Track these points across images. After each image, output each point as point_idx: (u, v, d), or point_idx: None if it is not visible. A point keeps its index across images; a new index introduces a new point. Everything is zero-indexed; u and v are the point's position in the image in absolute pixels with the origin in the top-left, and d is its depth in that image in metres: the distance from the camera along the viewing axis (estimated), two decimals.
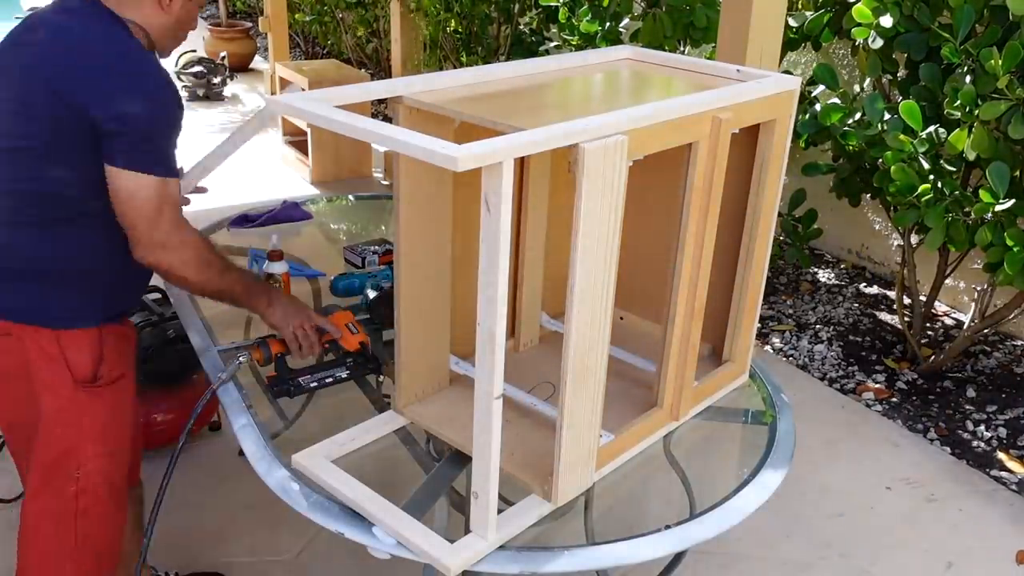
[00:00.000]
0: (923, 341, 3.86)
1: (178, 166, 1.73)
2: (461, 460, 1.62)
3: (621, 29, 4.28)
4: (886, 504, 2.92)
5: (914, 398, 3.53)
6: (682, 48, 3.99)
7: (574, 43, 4.45)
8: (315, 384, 1.82)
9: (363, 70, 7.78)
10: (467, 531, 1.43)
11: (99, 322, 1.75)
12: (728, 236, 1.79)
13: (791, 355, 3.87)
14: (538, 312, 1.95)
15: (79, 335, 1.72)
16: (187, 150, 1.96)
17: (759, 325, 2.56)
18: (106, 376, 1.76)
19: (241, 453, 2.77)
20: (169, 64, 7.76)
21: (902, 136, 2.96)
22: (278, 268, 2.15)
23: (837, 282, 4.56)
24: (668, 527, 1.50)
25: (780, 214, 3.72)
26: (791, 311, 4.25)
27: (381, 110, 6.95)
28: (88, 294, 1.74)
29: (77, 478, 1.75)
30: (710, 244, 1.62)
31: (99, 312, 1.76)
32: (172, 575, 2.40)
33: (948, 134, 2.89)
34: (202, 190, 2.13)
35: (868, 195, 3.58)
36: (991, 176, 2.75)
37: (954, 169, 3.00)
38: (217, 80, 7.45)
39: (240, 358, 1.79)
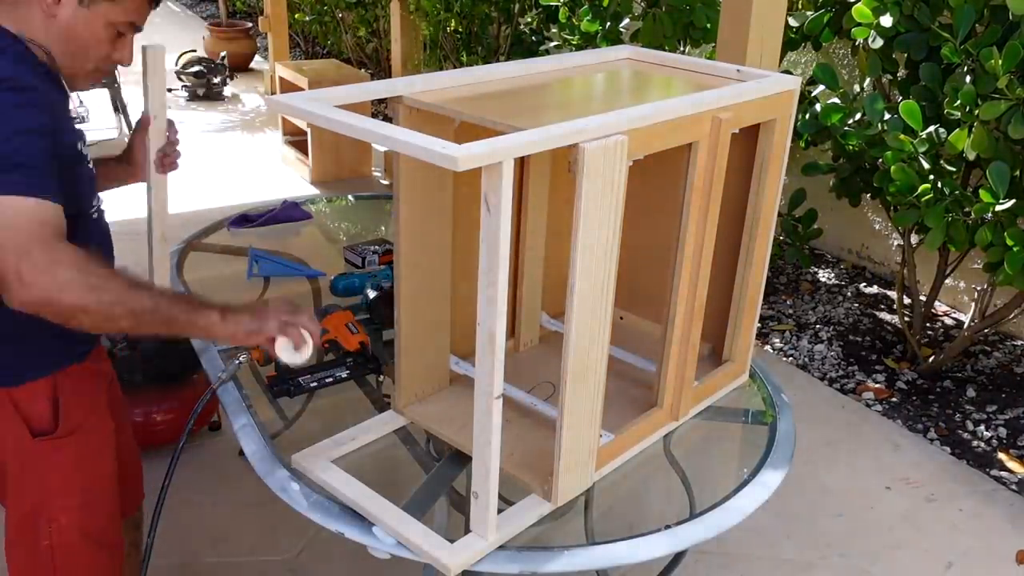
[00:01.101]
0: (923, 341, 3.85)
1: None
2: (461, 460, 1.62)
3: (621, 29, 4.27)
4: (886, 504, 2.91)
5: (914, 398, 3.53)
6: (682, 48, 3.99)
7: (574, 43, 4.45)
8: (315, 384, 1.82)
9: (363, 70, 7.78)
10: (467, 531, 1.43)
11: (52, 370, 1.62)
12: (728, 236, 1.79)
13: (791, 355, 3.87)
14: (538, 312, 1.95)
15: (32, 387, 1.61)
16: (186, 151, 1.96)
17: (759, 325, 2.56)
18: (68, 424, 1.65)
19: (241, 453, 2.77)
20: (169, 64, 7.81)
21: (902, 136, 2.96)
22: None
23: (837, 282, 4.56)
24: (668, 527, 1.50)
25: (780, 214, 3.72)
26: (791, 311, 4.25)
27: (381, 110, 6.95)
28: (26, 347, 1.59)
29: (50, 532, 1.67)
30: (710, 244, 1.62)
31: (49, 359, 1.63)
32: None
33: (948, 134, 2.89)
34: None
35: (868, 195, 3.58)
36: (991, 176, 2.75)
37: (954, 169, 3.00)
38: (217, 80, 7.46)
39: (240, 358, 1.79)
